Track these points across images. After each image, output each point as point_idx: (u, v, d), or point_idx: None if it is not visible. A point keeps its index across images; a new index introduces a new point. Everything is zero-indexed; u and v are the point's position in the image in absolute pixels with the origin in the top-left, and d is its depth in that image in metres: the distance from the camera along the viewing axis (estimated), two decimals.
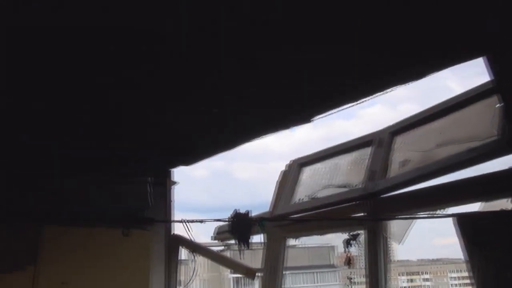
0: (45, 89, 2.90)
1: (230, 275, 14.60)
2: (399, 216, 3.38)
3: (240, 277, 14.22)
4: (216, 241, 5.53)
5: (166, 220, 4.33)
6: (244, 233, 2.70)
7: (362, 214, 3.55)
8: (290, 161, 4.49)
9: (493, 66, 2.81)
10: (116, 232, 3.45)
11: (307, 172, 4.28)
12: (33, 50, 2.50)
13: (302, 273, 18.58)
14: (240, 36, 2.48)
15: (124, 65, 2.68)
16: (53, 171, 3.19)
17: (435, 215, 3.05)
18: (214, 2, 2.20)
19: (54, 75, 2.74)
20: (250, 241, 2.91)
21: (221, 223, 4.92)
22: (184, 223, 3.47)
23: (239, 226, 2.69)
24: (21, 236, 3.07)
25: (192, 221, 3.34)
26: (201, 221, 3.23)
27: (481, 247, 2.75)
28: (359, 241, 3.46)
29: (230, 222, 2.79)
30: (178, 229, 5.02)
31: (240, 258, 3.38)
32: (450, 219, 2.88)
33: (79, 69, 2.68)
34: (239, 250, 2.85)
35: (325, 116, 3.39)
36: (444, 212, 3.06)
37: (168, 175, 5.16)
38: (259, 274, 3.82)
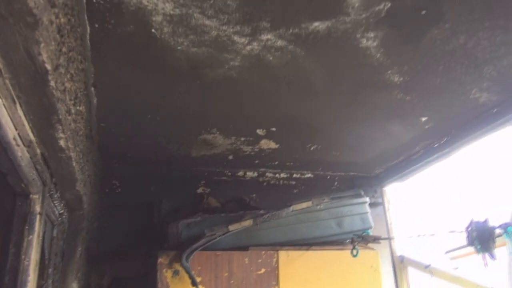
0: None
1: None
2: None
3: None
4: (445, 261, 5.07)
5: (390, 237, 4.22)
6: (487, 243, 2.40)
7: None
8: None
9: None
10: (344, 254, 3.53)
11: None
12: None
13: None
14: None
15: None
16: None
17: None
18: None
19: None
20: (493, 252, 2.56)
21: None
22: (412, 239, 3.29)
23: (480, 236, 2.41)
24: (263, 263, 3.41)
25: (422, 236, 3.16)
26: (432, 235, 3.03)
27: None
28: None
29: (467, 233, 2.53)
30: (400, 252, 4.85)
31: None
32: None
33: None
34: (484, 264, 2.53)
35: None
36: None
37: (382, 194, 5.08)
38: None
